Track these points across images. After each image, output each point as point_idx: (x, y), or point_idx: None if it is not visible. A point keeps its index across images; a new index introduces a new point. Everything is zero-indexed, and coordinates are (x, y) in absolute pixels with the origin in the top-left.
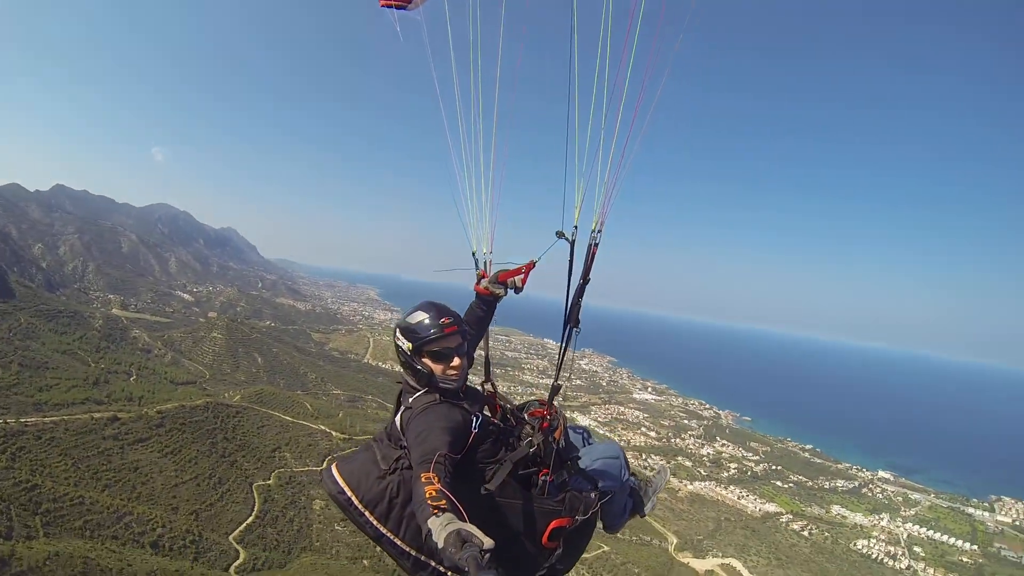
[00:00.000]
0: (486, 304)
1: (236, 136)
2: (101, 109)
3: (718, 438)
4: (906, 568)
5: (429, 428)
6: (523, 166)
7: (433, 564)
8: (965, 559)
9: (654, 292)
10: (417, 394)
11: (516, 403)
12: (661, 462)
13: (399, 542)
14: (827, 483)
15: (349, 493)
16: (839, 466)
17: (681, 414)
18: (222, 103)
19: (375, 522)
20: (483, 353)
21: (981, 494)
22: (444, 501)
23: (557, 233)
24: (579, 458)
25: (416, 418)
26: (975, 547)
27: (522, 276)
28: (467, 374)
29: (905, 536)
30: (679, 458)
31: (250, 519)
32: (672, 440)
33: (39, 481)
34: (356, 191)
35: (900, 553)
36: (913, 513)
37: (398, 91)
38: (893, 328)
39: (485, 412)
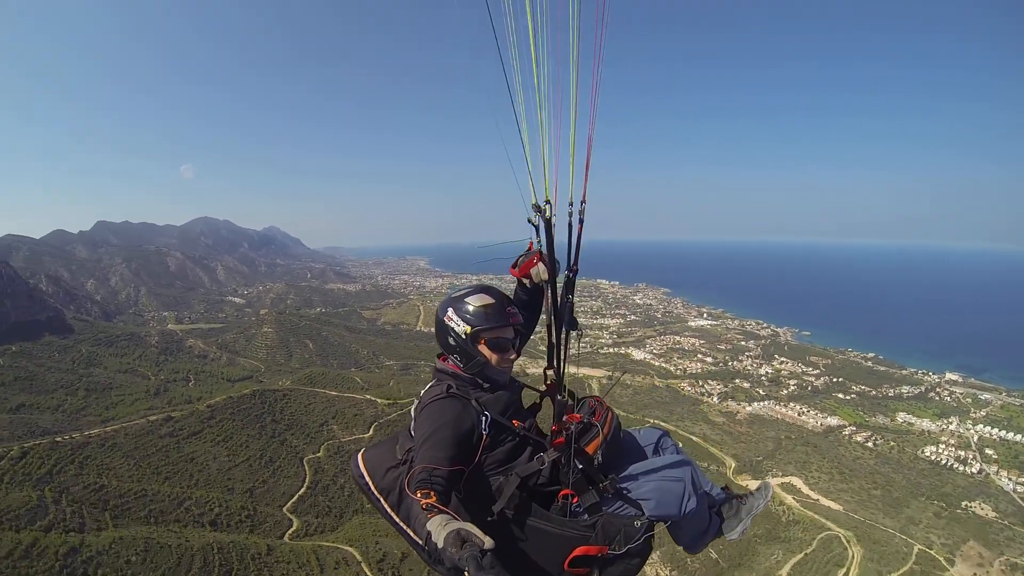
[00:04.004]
0: (527, 293)
1: (257, 134)
2: (122, 138)
3: (776, 356)
4: (977, 472)
5: (432, 435)
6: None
7: None
8: None
9: (701, 218)
10: (428, 385)
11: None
12: (765, 479)
13: (411, 533)
14: (891, 391)
15: (367, 479)
16: (904, 372)
17: (738, 336)
18: (234, 101)
19: (389, 509)
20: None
21: None
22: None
23: (535, 207)
24: (617, 478)
25: (421, 417)
26: None
27: (540, 267)
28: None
29: (976, 439)
30: (737, 380)
31: (302, 490)
32: (729, 363)
33: (105, 481)
34: (392, 164)
35: (971, 457)
36: (984, 414)
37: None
38: (945, 223)
39: (511, 413)
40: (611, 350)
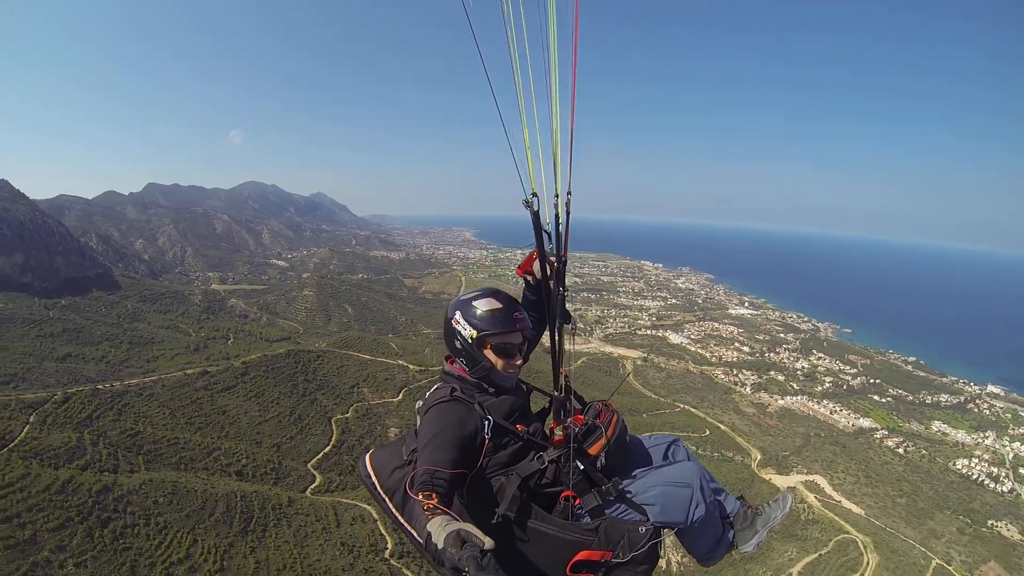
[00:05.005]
0: (534, 291)
1: (305, 102)
2: (174, 105)
3: (814, 351)
4: (1008, 491)
5: (434, 438)
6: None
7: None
8: None
9: (754, 205)
10: (434, 387)
11: (585, 398)
12: (787, 488)
13: (415, 533)
14: (929, 398)
15: (374, 479)
16: (944, 380)
17: (778, 328)
18: (281, 73)
19: (394, 510)
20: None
21: None
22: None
23: (524, 202)
24: (620, 480)
25: (425, 419)
26: None
27: (546, 262)
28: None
29: (1011, 456)
30: (771, 372)
31: (327, 448)
32: (766, 354)
33: (141, 428)
34: (436, 138)
35: (1004, 475)
36: (1022, 431)
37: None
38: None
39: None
40: (649, 332)
